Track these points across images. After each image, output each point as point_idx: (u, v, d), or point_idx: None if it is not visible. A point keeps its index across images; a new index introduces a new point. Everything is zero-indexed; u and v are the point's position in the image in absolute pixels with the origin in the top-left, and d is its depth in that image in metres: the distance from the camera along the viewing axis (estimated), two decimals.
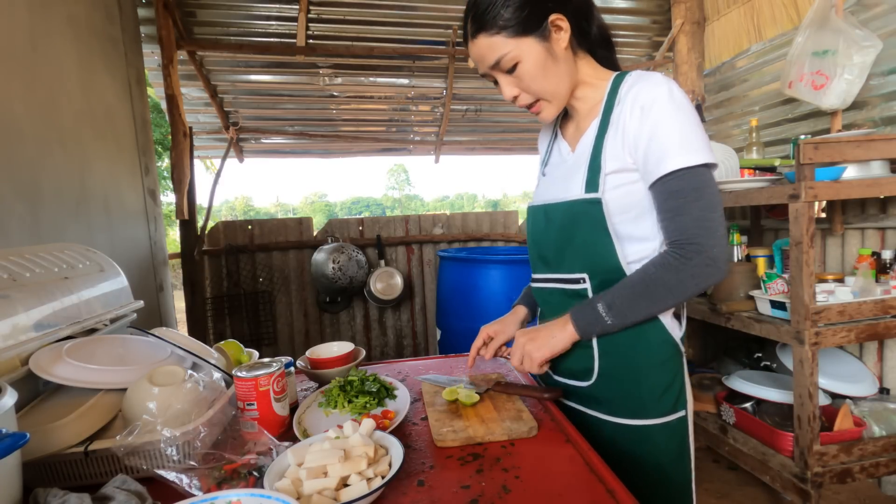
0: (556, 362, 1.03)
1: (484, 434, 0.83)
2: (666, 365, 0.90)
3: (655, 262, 0.84)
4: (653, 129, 0.82)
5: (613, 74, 0.93)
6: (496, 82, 0.93)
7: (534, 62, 0.86)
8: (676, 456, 0.91)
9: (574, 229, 0.91)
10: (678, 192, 0.81)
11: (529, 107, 0.93)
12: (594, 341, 0.92)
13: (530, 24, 0.85)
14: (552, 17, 0.86)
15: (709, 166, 0.82)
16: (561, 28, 0.87)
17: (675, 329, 0.91)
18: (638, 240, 0.89)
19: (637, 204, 0.87)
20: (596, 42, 0.94)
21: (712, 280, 0.82)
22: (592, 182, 0.88)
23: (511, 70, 0.88)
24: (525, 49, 0.85)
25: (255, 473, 0.72)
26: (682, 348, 0.93)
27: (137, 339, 1.01)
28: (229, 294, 3.22)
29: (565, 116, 1.04)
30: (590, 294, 0.91)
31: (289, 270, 3.36)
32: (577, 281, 0.93)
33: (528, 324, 1.13)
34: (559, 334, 0.89)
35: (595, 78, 0.93)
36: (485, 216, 3.70)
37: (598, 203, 0.87)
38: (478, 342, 1.07)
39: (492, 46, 0.86)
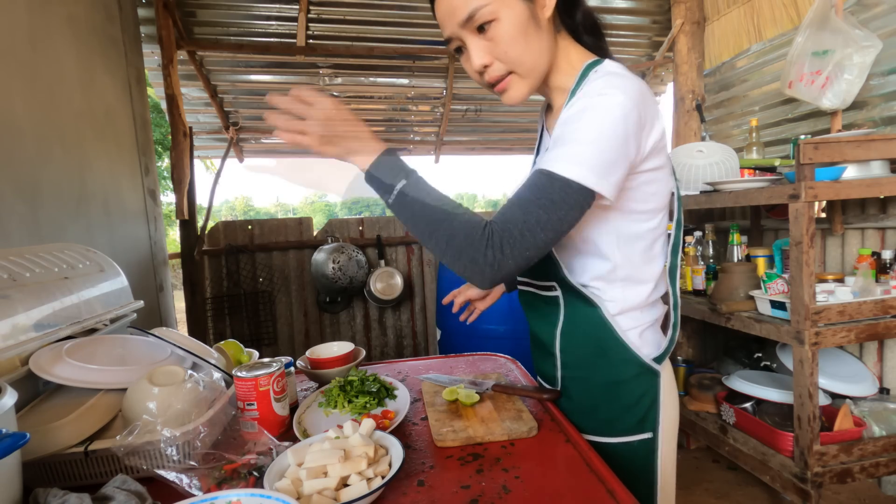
0: (534, 362, 1.03)
1: (484, 434, 0.83)
2: (629, 384, 0.85)
3: (468, 213, 0.74)
4: (565, 123, 0.73)
5: (587, 62, 0.81)
6: (459, 50, 0.80)
7: (514, 23, 0.74)
8: (636, 477, 0.86)
9: None
10: (522, 184, 0.74)
11: (496, 83, 0.80)
12: (556, 351, 0.89)
13: None
14: None
15: (578, 187, 0.69)
16: None
17: (645, 347, 0.85)
18: (585, 254, 0.83)
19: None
20: (582, 28, 0.83)
21: (458, 267, 0.72)
22: None
23: (483, 29, 0.75)
24: (506, 5, 0.73)
25: (255, 473, 0.72)
26: (656, 367, 0.85)
27: (137, 339, 1.01)
28: (229, 294, 3.22)
29: (548, 109, 0.95)
30: (562, 301, 0.86)
31: (289, 270, 3.36)
32: (548, 288, 0.88)
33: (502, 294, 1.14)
34: (358, 147, 0.75)
35: (571, 64, 0.82)
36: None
37: None
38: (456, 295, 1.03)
39: None
